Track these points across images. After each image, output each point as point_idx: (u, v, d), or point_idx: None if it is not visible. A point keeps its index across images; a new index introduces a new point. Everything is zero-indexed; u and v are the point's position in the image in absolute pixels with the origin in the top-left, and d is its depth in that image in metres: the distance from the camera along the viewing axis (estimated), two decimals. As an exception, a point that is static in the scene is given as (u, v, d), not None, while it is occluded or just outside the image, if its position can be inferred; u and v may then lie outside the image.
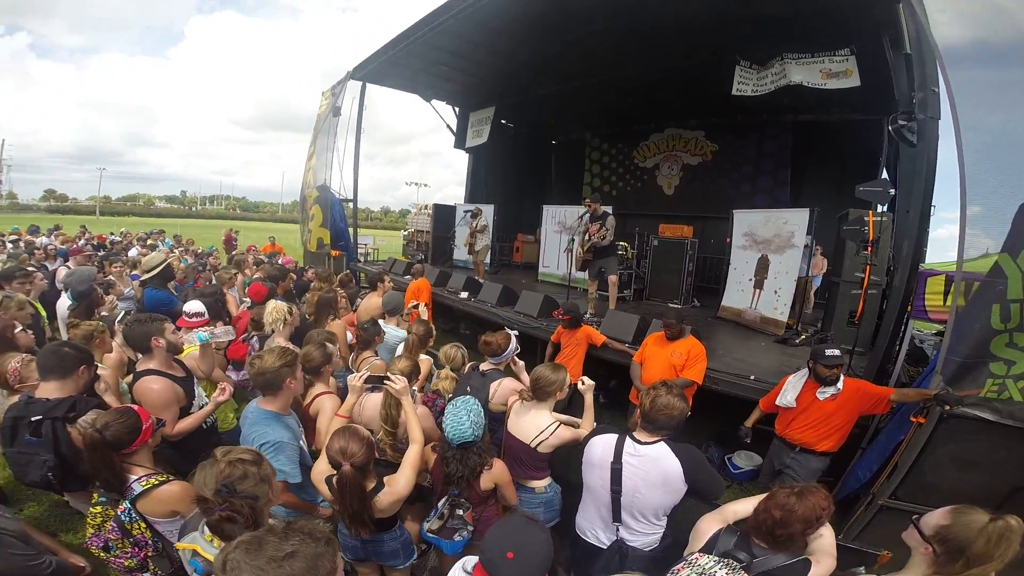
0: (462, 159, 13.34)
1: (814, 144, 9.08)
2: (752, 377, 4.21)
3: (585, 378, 2.67)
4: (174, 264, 5.95)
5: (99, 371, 2.77)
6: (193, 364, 3.05)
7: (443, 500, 2.29)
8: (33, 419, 2.26)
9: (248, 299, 5.02)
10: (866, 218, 4.38)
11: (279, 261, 8.55)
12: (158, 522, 1.98)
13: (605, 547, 2.24)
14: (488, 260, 10.33)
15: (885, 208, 4.85)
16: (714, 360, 4.78)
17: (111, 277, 5.65)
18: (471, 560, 1.51)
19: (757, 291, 6.56)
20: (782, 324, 6.05)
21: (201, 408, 2.83)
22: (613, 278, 6.37)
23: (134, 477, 2.01)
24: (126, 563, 1.96)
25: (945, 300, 3.32)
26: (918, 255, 3.63)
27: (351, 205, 11.20)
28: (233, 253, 10.91)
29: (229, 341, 3.62)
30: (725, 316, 7.07)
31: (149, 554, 1.94)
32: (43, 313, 4.41)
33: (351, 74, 10.18)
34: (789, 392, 3.37)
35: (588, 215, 6.36)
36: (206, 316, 3.67)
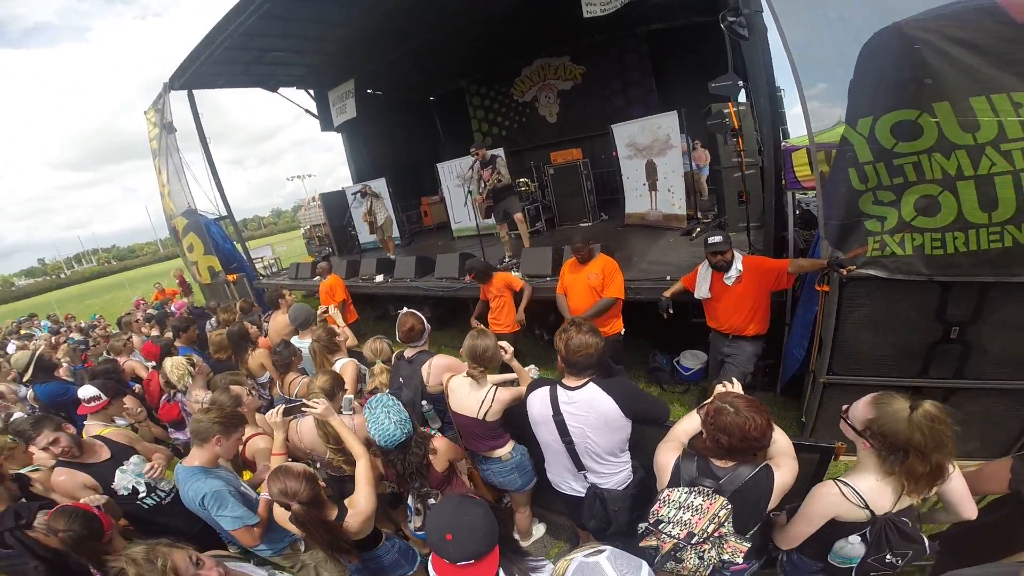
0: (340, 139, 12.60)
1: (671, 50, 9.40)
2: (668, 278, 4.43)
3: (503, 343, 2.62)
4: (46, 352, 5.36)
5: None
6: (128, 439, 2.97)
7: (411, 497, 2.30)
8: None
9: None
10: (726, 111, 4.64)
11: (171, 308, 7.86)
12: None
13: (583, 495, 2.27)
14: (397, 233, 10.03)
15: (744, 98, 5.16)
16: (631, 269, 5.03)
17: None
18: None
19: (653, 193, 6.89)
20: (683, 217, 6.46)
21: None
22: (518, 216, 6.49)
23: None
24: None
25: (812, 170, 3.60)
26: (777, 135, 3.88)
27: (229, 221, 10.14)
28: (120, 316, 9.80)
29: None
30: (632, 223, 7.41)
31: None
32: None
33: (169, 85, 8.93)
34: (702, 284, 3.54)
35: (477, 162, 6.37)
36: (103, 397, 3.33)
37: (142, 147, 10.51)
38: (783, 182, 3.81)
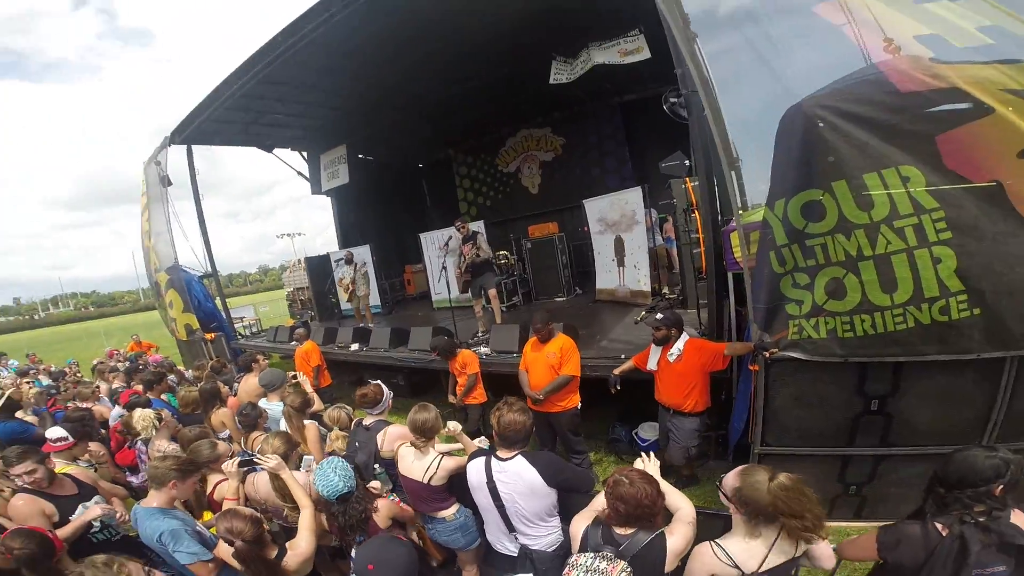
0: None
1: (643, 120, 9.77)
2: (623, 356, 4.62)
3: (451, 423, 2.91)
4: (14, 394, 5.46)
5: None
6: (90, 479, 3.18)
7: (354, 550, 2.38)
8: None
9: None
10: (683, 187, 4.98)
11: (147, 360, 7.89)
12: None
13: (516, 554, 2.46)
14: (378, 301, 10.17)
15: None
16: (592, 348, 5.26)
17: None
18: None
19: (621, 269, 7.24)
20: (647, 293, 6.76)
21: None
22: (492, 292, 6.71)
23: None
24: None
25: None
26: (714, 215, 4.09)
27: (213, 279, 10.18)
28: (94, 362, 9.69)
29: None
30: (602, 298, 7.69)
31: None
32: None
33: (170, 139, 9.33)
34: (652, 358, 3.81)
35: (461, 237, 6.70)
36: (70, 439, 3.55)
37: (137, 191, 10.62)
38: (724, 262, 3.99)
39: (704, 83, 3.23)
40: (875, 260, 2.60)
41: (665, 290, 7.07)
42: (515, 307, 8.68)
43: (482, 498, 2.44)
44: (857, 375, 2.96)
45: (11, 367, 11.67)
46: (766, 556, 1.74)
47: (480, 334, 6.62)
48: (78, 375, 9.42)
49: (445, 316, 8.09)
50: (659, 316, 3.66)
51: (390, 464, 3.09)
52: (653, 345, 3.82)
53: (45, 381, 8.67)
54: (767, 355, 3.06)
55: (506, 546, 2.51)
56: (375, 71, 7.78)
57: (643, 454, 2.20)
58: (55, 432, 3.53)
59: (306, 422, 3.70)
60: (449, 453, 2.75)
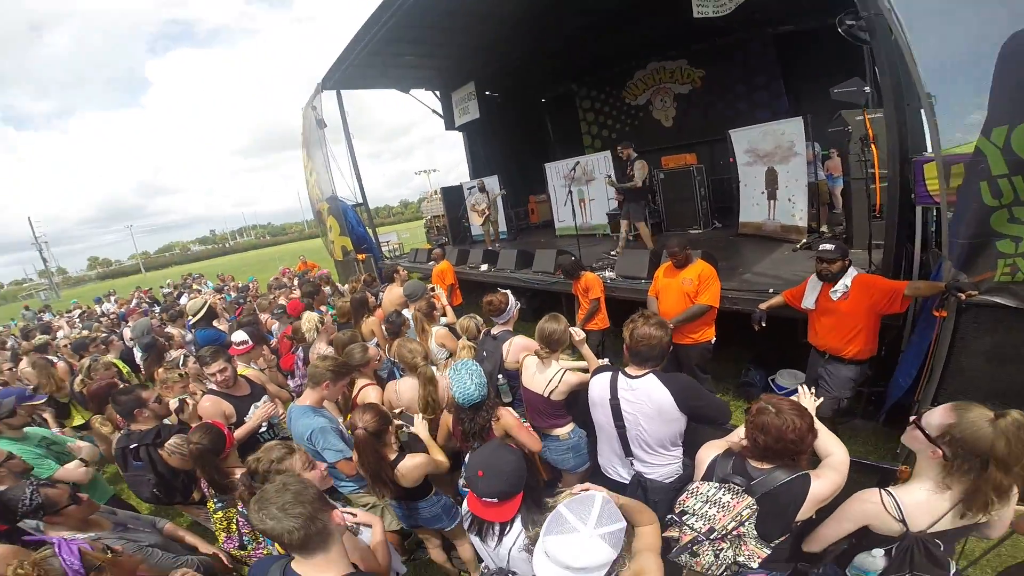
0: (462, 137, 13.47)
1: (802, 53, 8.71)
2: (771, 290, 4.20)
3: (575, 329, 2.74)
4: (215, 304, 6.56)
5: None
6: (261, 381, 3.57)
7: (468, 457, 2.47)
8: (132, 447, 2.80)
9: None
10: (859, 117, 4.31)
11: (315, 275, 9.17)
12: None
13: (627, 482, 2.31)
14: (504, 228, 10.60)
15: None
16: (733, 280, 4.84)
17: (169, 329, 6.40)
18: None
19: (772, 202, 6.49)
20: (803, 229, 6.00)
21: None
22: (640, 224, 6.75)
23: (238, 476, 2.32)
24: (265, 551, 2.30)
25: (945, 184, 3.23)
26: (904, 145, 3.44)
27: (364, 208, 11.48)
28: (270, 279, 11.54)
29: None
30: (746, 232, 7.05)
31: None
32: (124, 369, 5.16)
33: (322, 85, 10.36)
34: (809, 295, 3.32)
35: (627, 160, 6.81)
36: (250, 343, 4.10)
37: (298, 139, 12.12)
38: (912, 196, 3.43)
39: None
40: None
41: (823, 228, 6.23)
42: (639, 237, 8.34)
43: (601, 416, 2.31)
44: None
45: (208, 285, 14.51)
46: (944, 514, 1.46)
47: (616, 253, 6.57)
48: (257, 290, 11.26)
49: (568, 243, 8.12)
50: (830, 246, 3.13)
51: (513, 376, 3.16)
52: (812, 279, 3.32)
53: (234, 295, 10.56)
54: (962, 297, 2.54)
55: (619, 471, 2.37)
56: (499, 7, 7.75)
57: (801, 386, 1.92)
58: (239, 336, 4.01)
59: (441, 327, 3.92)
60: (574, 368, 2.71)
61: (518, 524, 1.56)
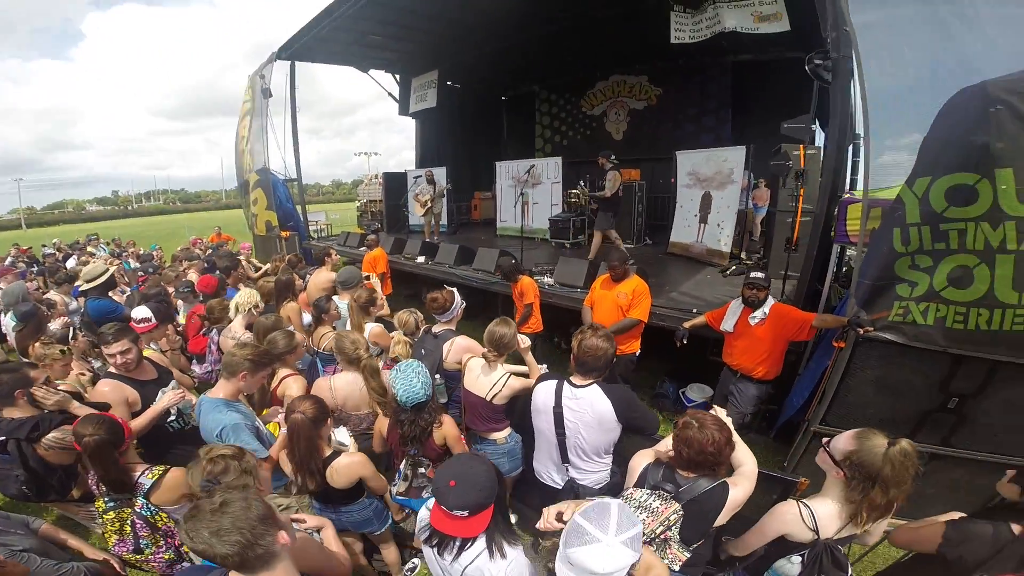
0: (412, 123, 13.18)
1: (754, 83, 9.26)
2: (694, 310, 4.44)
3: (522, 337, 2.75)
4: (118, 272, 5.82)
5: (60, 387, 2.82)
6: (165, 363, 3.18)
7: (404, 462, 2.40)
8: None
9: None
10: (796, 152, 4.66)
11: (240, 251, 8.46)
12: (172, 510, 2.06)
13: (560, 487, 2.41)
14: (446, 221, 10.39)
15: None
16: (661, 297, 5.03)
17: (51, 295, 5.53)
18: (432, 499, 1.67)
19: (702, 226, 6.86)
20: (726, 254, 6.41)
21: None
22: (596, 234, 6.93)
23: (138, 473, 2.07)
24: (165, 556, 2.05)
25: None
26: (836, 184, 3.79)
27: (296, 184, 10.91)
28: (177, 250, 10.49)
29: None
30: (674, 251, 7.40)
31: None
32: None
33: (277, 54, 9.81)
34: (730, 318, 3.60)
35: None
36: (153, 320, 3.66)
37: (233, 106, 11.41)
38: (832, 233, 3.76)
39: (857, 53, 2.93)
40: (1016, 255, 2.43)
41: (743, 255, 6.73)
42: (579, 245, 8.58)
43: (544, 423, 2.37)
44: (947, 369, 2.78)
45: (102, 248, 12.92)
46: (846, 524, 1.69)
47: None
48: (162, 260, 10.24)
49: (509, 244, 8.12)
50: (760, 275, 3.40)
51: (451, 376, 3.08)
52: (733, 304, 3.62)
53: (133, 263, 9.49)
54: (861, 332, 2.84)
55: (552, 477, 2.48)
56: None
57: (715, 407, 2.06)
58: (141, 311, 3.52)
59: (374, 324, 3.71)
60: (517, 374, 2.70)
61: (481, 541, 1.51)
